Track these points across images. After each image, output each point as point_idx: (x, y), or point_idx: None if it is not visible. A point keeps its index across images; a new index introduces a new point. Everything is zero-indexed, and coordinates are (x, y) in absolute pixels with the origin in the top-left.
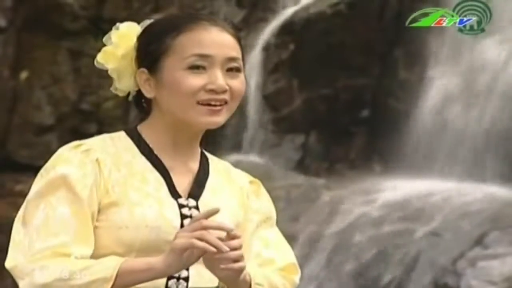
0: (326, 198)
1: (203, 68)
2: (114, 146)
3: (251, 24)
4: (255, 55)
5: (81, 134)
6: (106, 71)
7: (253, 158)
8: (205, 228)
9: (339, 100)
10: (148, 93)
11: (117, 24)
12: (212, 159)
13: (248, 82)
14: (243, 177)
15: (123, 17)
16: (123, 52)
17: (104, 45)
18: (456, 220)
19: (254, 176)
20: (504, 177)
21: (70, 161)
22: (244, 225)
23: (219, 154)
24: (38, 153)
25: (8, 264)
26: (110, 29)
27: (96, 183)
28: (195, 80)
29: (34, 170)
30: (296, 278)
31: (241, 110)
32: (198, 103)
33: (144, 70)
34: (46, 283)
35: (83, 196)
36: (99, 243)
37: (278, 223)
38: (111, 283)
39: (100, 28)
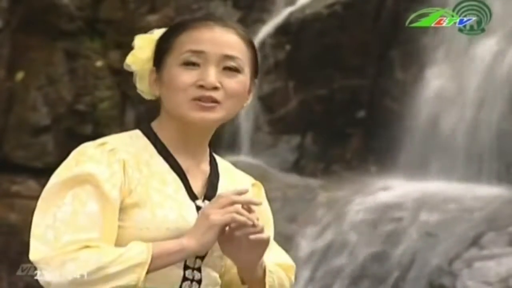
0: (322, 199)
1: (197, 64)
2: (133, 145)
3: (247, 25)
4: None
5: (77, 135)
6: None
7: (249, 159)
8: (235, 202)
9: (335, 101)
10: (154, 91)
11: (153, 30)
12: (218, 159)
13: None
14: (246, 179)
15: (119, 18)
16: (147, 55)
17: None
18: (452, 220)
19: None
20: (500, 177)
21: (97, 160)
22: None
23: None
24: (34, 154)
25: (33, 256)
26: (106, 30)
27: (121, 183)
28: (187, 76)
29: (30, 171)
30: (293, 276)
31: None
32: (191, 99)
33: (154, 69)
34: (81, 275)
35: (111, 196)
36: (120, 242)
37: (274, 224)
38: (147, 267)
39: (96, 29)
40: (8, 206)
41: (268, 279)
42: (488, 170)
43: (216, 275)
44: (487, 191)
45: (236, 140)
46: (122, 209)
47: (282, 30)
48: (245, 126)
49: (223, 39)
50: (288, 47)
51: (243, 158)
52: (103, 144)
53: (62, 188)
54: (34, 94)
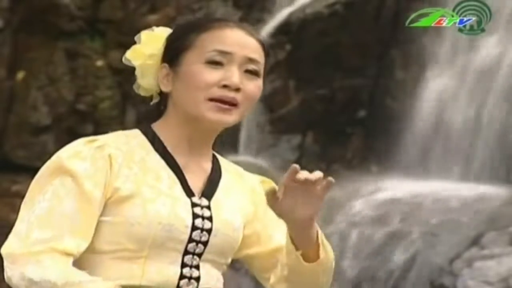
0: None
1: (221, 64)
2: (127, 143)
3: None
4: None
5: (78, 135)
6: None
7: (250, 159)
8: None
9: (336, 101)
10: (165, 87)
11: (153, 27)
12: (222, 160)
13: None
14: (255, 179)
15: (119, 17)
16: (151, 52)
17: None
18: (452, 220)
19: None
20: (500, 177)
21: (83, 156)
22: (258, 220)
23: None
24: (35, 154)
25: (3, 249)
26: (106, 30)
27: (106, 179)
28: (211, 75)
29: (30, 170)
30: None
31: None
32: (210, 99)
33: (165, 65)
34: (36, 282)
35: (92, 195)
36: (111, 238)
37: None
38: None
39: (96, 28)
40: (8, 205)
41: (321, 238)
42: (488, 170)
43: (217, 272)
44: (487, 191)
45: (236, 140)
46: (110, 205)
47: (283, 29)
48: (246, 125)
49: (247, 42)
50: (288, 46)
51: (244, 157)
52: (93, 140)
53: (45, 181)
54: (34, 93)
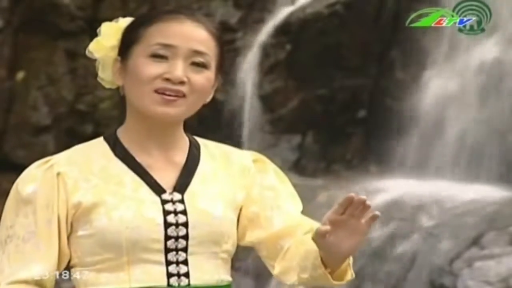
0: (323, 199)
1: (165, 57)
2: (86, 155)
3: (248, 24)
4: (252, 56)
5: (78, 135)
6: None
7: None
8: None
9: (336, 101)
10: (118, 81)
11: (118, 18)
12: (206, 145)
13: (244, 82)
14: (247, 157)
15: (119, 17)
16: (112, 44)
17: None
18: (452, 220)
19: None
20: (501, 177)
21: (35, 179)
22: (254, 202)
23: None
24: (35, 154)
25: None
26: None
27: (60, 198)
28: (154, 68)
29: None
30: None
31: (237, 111)
32: (154, 91)
33: (118, 58)
34: None
35: (48, 218)
36: (90, 250)
37: None
38: None
39: (96, 28)
40: None
41: (350, 258)
42: (489, 169)
43: (214, 261)
44: (487, 191)
45: (236, 140)
46: (78, 219)
47: (283, 29)
48: (246, 125)
49: (193, 34)
50: (288, 46)
51: None
52: (46, 162)
53: (8, 213)
54: (34, 93)
